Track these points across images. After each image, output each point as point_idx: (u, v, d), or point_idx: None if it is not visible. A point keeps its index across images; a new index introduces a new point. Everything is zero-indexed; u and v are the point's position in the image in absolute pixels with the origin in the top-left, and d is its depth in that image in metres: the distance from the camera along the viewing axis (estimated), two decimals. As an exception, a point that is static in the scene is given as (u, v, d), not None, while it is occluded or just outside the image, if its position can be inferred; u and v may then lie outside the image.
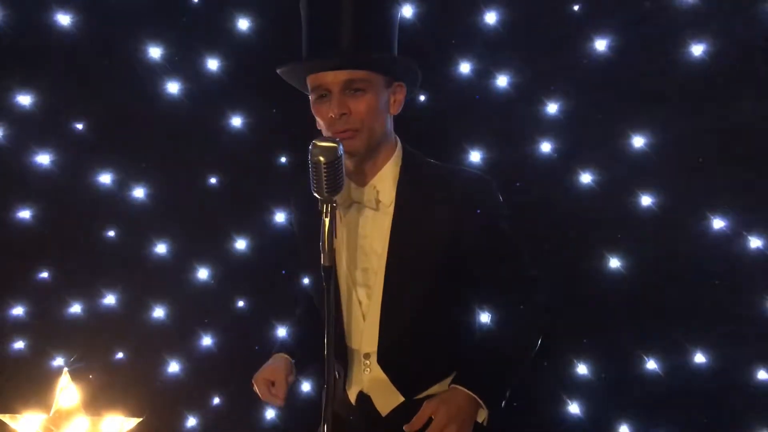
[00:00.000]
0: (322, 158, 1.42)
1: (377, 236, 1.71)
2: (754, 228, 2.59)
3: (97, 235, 2.97)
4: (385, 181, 1.71)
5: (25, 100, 2.92)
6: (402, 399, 1.75)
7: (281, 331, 2.93)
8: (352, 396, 1.81)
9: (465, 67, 2.74)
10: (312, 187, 1.47)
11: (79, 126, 2.94)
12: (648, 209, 2.66)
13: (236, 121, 2.91)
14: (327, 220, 1.47)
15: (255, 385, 1.80)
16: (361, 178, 1.72)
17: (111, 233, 2.98)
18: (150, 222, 2.98)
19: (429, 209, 1.67)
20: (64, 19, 2.87)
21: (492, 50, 2.71)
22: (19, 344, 3.04)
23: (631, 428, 2.74)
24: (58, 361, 3.00)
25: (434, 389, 1.75)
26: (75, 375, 2.87)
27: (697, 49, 2.56)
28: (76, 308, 3.03)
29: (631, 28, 2.61)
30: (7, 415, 2.82)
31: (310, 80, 1.65)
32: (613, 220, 2.70)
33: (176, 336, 3.02)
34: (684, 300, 2.66)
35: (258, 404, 2.97)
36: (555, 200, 2.72)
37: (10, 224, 2.97)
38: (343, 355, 1.79)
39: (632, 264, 2.70)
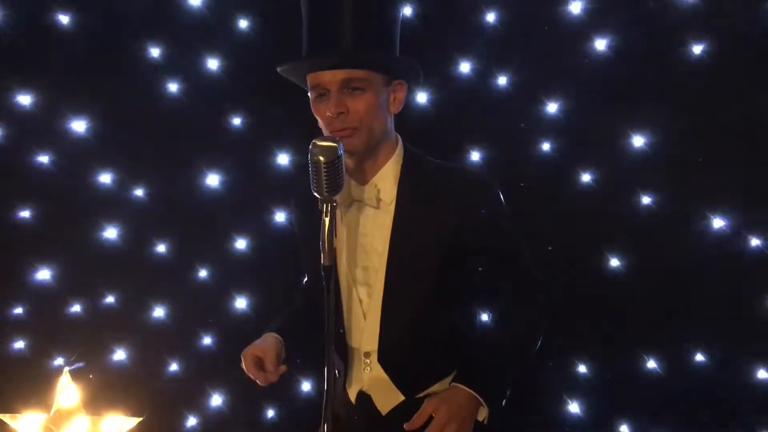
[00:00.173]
0: (322, 158, 1.42)
1: (378, 235, 1.71)
2: (754, 227, 2.59)
3: (97, 234, 2.98)
4: (385, 180, 1.71)
5: (25, 99, 2.92)
6: (402, 398, 1.75)
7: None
8: (352, 395, 1.80)
9: (465, 67, 2.74)
10: (312, 187, 1.46)
11: (79, 126, 2.94)
12: (648, 209, 2.66)
13: (236, 121, 2.91)
14: (327, 220, 1.47)
15: (243, 360, 1.74)
16: (362, 176, 1.72)
17: (111, 233, 2.98)
18: (150, 222, 2.98)
19: (430, 208, 1.67)
20: (63, 19, 2.88)
21: (492, 50, 2.71)
22: (19, 344, 3.04)
23: (631, 427, 2.74)
24: (59, 361, 3.01)
25: (435, 388, 1.75)
26: (75, 375, 2.87)
27: (697, 49, 2.56)
28: (76, 308, 3.03)
29: (631, 28, 2.62)
30: (7, 414, 2.82)
31: (310, 79, 1.65)
32: (613, 219, 2.70)
33: (176, 336, 3.02)
34: (684, 299, 2.66)
35: (258, 404, 2.97)
36: (555, 200, 2.72)
37: (11, 224, 2.97)
38: (343, 354, 1.79)
39: (632, 263, 2.70)
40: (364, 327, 1.74)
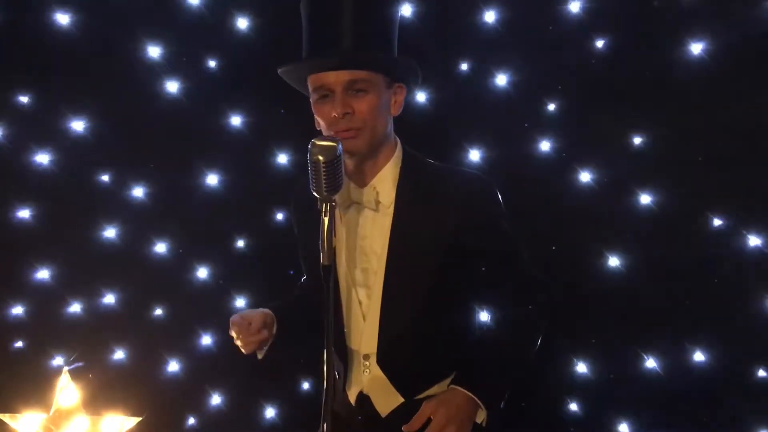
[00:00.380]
0: (321, 157, 1.42)
1: (377, 237, 1.71)
2: (754, 227, 2.59)
3: (97, 234, 2.98)
4: (384, 182, 1.71)
5: (24, 99, 2.92)
6: (402, 400, 1.74)
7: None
8: (352, 396, 1.80)
9: (464, 66, 2.74)
10: (311, 187, 1.46)
11: (79, 125, 2.94)
12: (647, 208, 2.66)
13: (236, 120, 2.91)
14: (326, 220, 1.47)
15: (231, 321, 1.70)
16: (361, 178, 1.72)
17: (111, 232, 2.98)
18: (150, 221, 2.98)
19: (429, 210, 1.67)
20: (62, 19, 2.87)
21: (491, 49, 2.71)
22: (18, 344, 3.04)
23: (631, 427, 2.74)
24: (58, 361, 3.01)
25: (434, 390, 1.75)
26: (75, 374, 2.86)
27: (696, 48, 2.56)
28: (75, 307, 3.03)
29: (631, 27, 2.62)
30: (6, 414, 2.82)
31: (312, 80, 1.65)
32: (613, 219, 2.70)
33: (176, 335, 3.02)
34: (683, 299, 2.66)
35: (258, 404, 2.97)
36: (555, 199, 2.72)
37: (10, 224, 2.97)
38: (342, 356, 1.79)
39: (632, 263, 2.70)
40: (364, 329, 1.74)
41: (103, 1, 2.90)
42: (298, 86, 1.74)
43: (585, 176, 2.70)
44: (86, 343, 2.99)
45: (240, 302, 2.98)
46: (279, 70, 1.70)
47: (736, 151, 2.60)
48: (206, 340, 3.02)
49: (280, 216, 2.91)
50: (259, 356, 1.76)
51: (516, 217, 1.81)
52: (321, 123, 1.67)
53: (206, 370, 3.01)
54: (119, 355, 3.03)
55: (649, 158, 2.64)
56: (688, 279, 2.65)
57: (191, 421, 3.01)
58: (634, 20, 2.62)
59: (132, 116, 2.91)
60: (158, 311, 3.02)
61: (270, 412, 2.98)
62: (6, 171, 2.97)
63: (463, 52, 2.74)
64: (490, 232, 1.71)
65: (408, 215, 1.68)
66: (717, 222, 2.61)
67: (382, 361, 1.73)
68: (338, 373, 1.82)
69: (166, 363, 3.01)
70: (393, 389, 1.74)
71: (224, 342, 3.01)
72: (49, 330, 3.02)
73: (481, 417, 1.65)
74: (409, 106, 1.78)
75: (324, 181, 1.44)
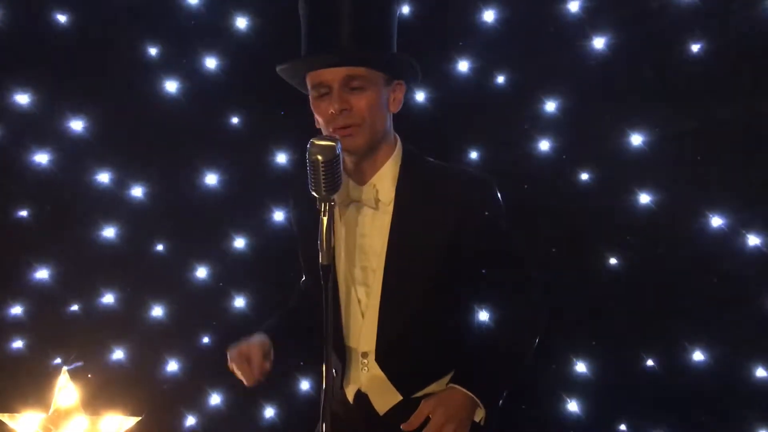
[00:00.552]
0: (320, 157, 1.42)
1: (377, 235, 1.71)
2: (753, 226, 2.59)
3: (96, 234, 2.97)
4: (384, 180, 1.71)
5: (22, 99, 2.91)
6: (400, 398, 1.74)
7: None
8: (350, 394, 1.80)
9: (463, 65, 2.74)
10: (310, 186, 1.46)
11: (78, 125, 2.93)
12: (647, 207, 2.66)
13: (235, 120, 2.91)
14: (325, 219, 1.47)
15: (229, 356, 1.72)
16: (361, 176, 1.72)
17: (110, 232, 2.98)
18: (149, 221, 2.98)
19: (428, 208, 1.67)
20: (61, 18, 2.87)
21: (490, 48, 2.71)
22: (17, 343, 3.03)
23: (630, 426, 2.74)
24: (57, 361, 3.00)
25: (432, 388, 1.75)
26: (74, 374, 2.87)
27: (695, 47, 2.56)
28: (74, 307, 3.03)
29: (630, 27, 2.62)
30: (6, 414, 2.82)
31: (310, 78, 1.65)
32: (612, 218, 2.70)
33: (175, 335, 3.01)
34: (682, 298, 2.66)
35: (257, 403, 2.97)
36: (554, 199, 2.72)
37: (9, 223, 2.97)
38: (341, 354, 1.79)
39: (631, 262, 2.70)
40: (362, 327, 1.74)
41: (102, 1, 2.89)
42: (297, 85, 1.74)
43: (584, 176, 2.70)
44: (85, 342, 2.98)
45: (239, 302, 2.98)
46: (278, 68, 1.69)
47: (736, 151, 2.60)
48: (205, 339, 3.02)
49: (279, 215, 2.91)
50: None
51: (516, 217, 1.81)
52: (320, 121, 1.67)
53: (205, 369, 3.00)
54: (118, 354, 3.02)
55: (648, 158, 2.64)
56: (688, 278, 2.65)
57: (190, 420, 3.01)
58: (633, 20, 2.62)
59: (131, 116, 2.90)
60: (157, 311, 3.02)
61: (269, 412, 2.98)
62: (5, 171, 2.96)
63: (462, 50, 2.73)
64: (489, 232, 1.71)
65: (407, 213, 1.68)
66: (716, 221, 2.61)
67: (380, 359, 1.73)
68: (336, 371, 1.82)
69: (165, 362, 3.01)
70: (391, 387, 1.74)
71: (223, 341, 3.00)
72: (48, 330, 3.02)
73: (479, 416, 1.65)
74: (408, 104, 1.78)
75: (323, 181, 1.44)
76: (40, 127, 2.93)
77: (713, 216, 2.61)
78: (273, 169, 2.90)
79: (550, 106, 2.70)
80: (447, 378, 1.73)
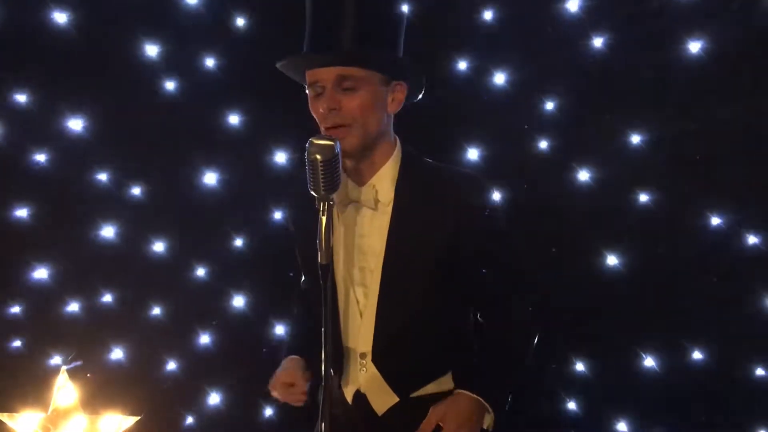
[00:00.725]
0: (319, 156, 1.42)
1: (376, 236, 1.70)
2: (752, 225, 2.59)
3: (95, 233, 2.97)
4: (383, 181, 1.70)
5: (21, 98, 2.91)
6: (398, 398, 1.74)
7: (279, 329, 2.93)
8: (349, 395, 1.80)
9: (462, 65, 2.73)
10: (309, 185, 1.46)
11: (76, 124, 2.93)
12: (646, 207, 2.66)
13: (234, 119, 2.91)
14: (324, 218, 1.46)
15: (273, 392, 1.75)
16: (360, 177, 1.71)
17: (109, 231, 2.98)
18: (148, 220, 2.97)
19: (427, 209, 1.67)
20: (60, 17, 2.87)
21: (490, 48, 2.70)
22: (16, 343, 3.03)
23: (629, 425, 2.74)
24: (56, 360, 3.00)
25: (428, 388, 1.75)
26: (73, 373, 2.87)
27: (695, 47, 2.56)
28: (73, 307, 3.03)
29: (629, 26, 2.61)
30: (5, 413, 2.82)
31: (308, 76, 1.65)
32: (612, 218, 2.70)
33: (174, 334, 3.01)
34: (682, 297, 2.66)
35: (256, 403, 2.97)
36: (554, 198, 2.72)
37: (8, 223, 2.96)
38: (339, 354, 1.79)
39: (630, 261, 2.70)
40: (361, 327, 1.74)
41: (101, 0, 2.89)
42: (300, 81, 1.73)
43: (584, 175, 2.70)
44: (84, 342, 2.98)
45: (238, 301, 2.98)
46: (278, 65, 1.69)
47: (735, 150, 2.60)
48: (204, 339, 3.02)
49: (278, 215, 2.91)
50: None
51: (515, 217, 1.81)
52: (316, 119, 1.67)
53: (204, 369, 3.00)
54: (117, 354, 3.02)
55: (648, 157, 2.64)
56: (687, 277, 2.65)
57: (189, 420, 3.01)
58: (633, 19, 2.62)
59: (130, 115, 2.90)
60: (156, 310, 3.01)
61: (268, 411, 2.97)
62: (3, 170, 2.96)
63: (462, 50, 2.73)
64: (486, 233, 1.70)
65: (406, 214, 1.68)
66: (716, 221, 2.61)
67: (376, 360, 1.73)
68: (334, 371, 1.82)
69: (164, 362, 3.01)
70: (389, 388, 1.74)
71: (222, 341, 3.01)
72: (47, 329, 3.01)
73: (488, 422, 1.65)
74: (408, 104, 1.77)
75: (322, 180, 1.43)
76: (39, 126, 2.92)
77: (713, 216, 2.61)
78: (272, 167, 2.89)
79: (550, 105, 2.69)
80: (443, 378, 1.73)
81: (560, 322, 2.57)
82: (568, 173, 2.71)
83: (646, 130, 2.64)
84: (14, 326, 3.03)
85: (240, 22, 2.85)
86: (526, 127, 2.72)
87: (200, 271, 2.99)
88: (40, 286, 3.00)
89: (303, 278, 2.00)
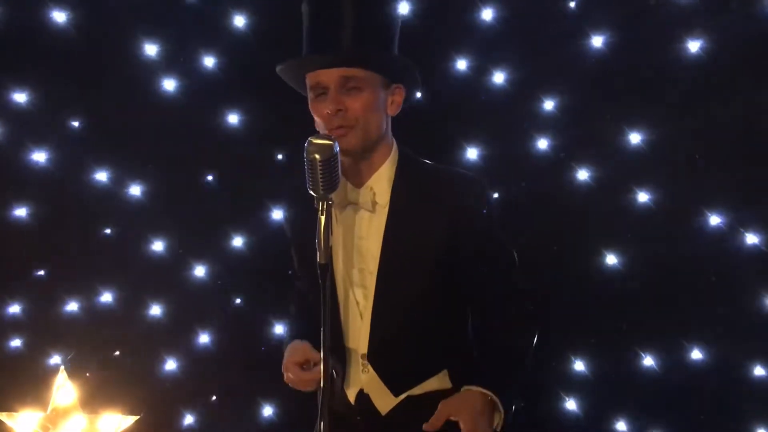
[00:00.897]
0: (317, 156, 1.42)
1: (374, 237, 1.70)
2: (751, 225, 2.59)
3: (94, 232, 2.97)
4: (380, 183, 1.70)
5: (20, 97, 2.91)
6: (401, 397, 1.74)
7: (278, 329, 2.93)
8: (352, 396, 1.80)
9: (461, 65, 2.73)
10: (308, 185, 1.46)
11: (76, 124, 2.93)
12: (645, 206, 2.66)
13: (233, 119, 2.91)
14: (323, 218, 1.46)
15: (286, 373, 1.69)
16: (358, 178, 1.71)
17: (108, 231, 2.98)
18: (147, 220, 2.97)
19: (423, 211, 1.67)
20: (59, 17, 2.87)
21: (489, 48, 2.70)
22: (16, 342, 3.03)
23: (629, 424, 2.74)
24: (55, 359, 3.00)
25: (424, 386, 1.75)
26: (72, 373, 2.86)
27: (694, 46, 2.56)
28: (73, 306, 3.03)
29: (628, 25, 2.61)
30: (4, 413, 2.81)
31: (309, 78, 1.65)
32: (611, 217, 2.70)
33: (173, 333, 3.01)
34: (681, 297, 2.66)
35: (255, 402, 2.97)
36: (554, 198, 2.72)
37: (7, 222, 2.96)
38: (341, 355, 1.78)
39: (629, 261, 2.70)
40: (361, 329, 1.74)
41: (100, 0, 2.89)
42: (296, 86, 1.73)
43: (583, 175, 2.70)
44: (83, 341, 2.98)
45: (238, 300, 2.98)
46: (277, 68, 1.69)
47: (734, 150, 2.60)
48: (204, 338, 3.02)
49: (278, 214, 2.91)
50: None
51: (515, 216, 1.81)
52: (317, 122, 1.67)
53: (203, 367, 3.00)
54: (117, 353, 3.02)
55: (647, 157, 2.64)
56: (686, 277, 2.65)
57: (188, 419, 3.01)
58: (632, 19, 2.62)
59: (129, 115, 2.90)
60: (156, 310, 3.01)
61: (267, 411, 2.98)
62: (2, 169, 2.96)
63: (461, 50, 2.73)
64: (481, 236, 1.70)
65: (402, 216, 1.68)
66: (715, 220, 2.61)
67: (372, 360, 1.73)
68: (336, 372, 1.82)
69: (163, 361, 3.01)
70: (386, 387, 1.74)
71: (221, 340, 3.01)
72: (46, 328, 3.01)
73: (496, 420, 1.64)
74: (407, 105, 1.77)
75: (321, 180, 1.43)
76: (38, 125, 2.92)
77: (712, 215, 2.61)
78: (272, 167, 2.89)
79: (549, 104, 2.69)
80: (439, 375, 1.73)
81: (560, 321, 2.57)
82: (567, 173, 2.71)
83: (645, 130, 2.64)
84: (14, 325, 3.03)
85: (240, 21, 2.85)
86: (526, 126, 2.72)
87: (200, 271, 2.99)
88: (39, 285, 3.00)
89: (299, 280, 1.99)
